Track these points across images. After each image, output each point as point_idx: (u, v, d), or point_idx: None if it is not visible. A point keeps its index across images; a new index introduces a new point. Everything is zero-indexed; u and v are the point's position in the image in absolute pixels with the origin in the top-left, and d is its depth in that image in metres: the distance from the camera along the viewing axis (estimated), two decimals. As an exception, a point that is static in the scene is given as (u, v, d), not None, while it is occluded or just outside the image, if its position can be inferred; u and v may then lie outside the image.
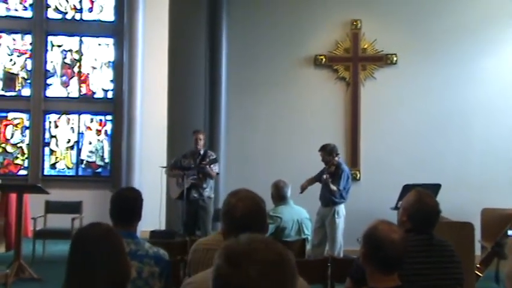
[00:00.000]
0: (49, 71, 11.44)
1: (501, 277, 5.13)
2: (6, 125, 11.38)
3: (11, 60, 11.45)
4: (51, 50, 11.47)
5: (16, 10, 11.52)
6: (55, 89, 11.44)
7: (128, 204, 3.40)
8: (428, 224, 3.27)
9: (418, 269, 3.10)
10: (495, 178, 9.08)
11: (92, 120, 11.45)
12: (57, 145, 11.37)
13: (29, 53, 11.45)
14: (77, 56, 11.50)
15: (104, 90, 11.51)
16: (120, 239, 2.49)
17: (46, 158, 11.33)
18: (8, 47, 11.46)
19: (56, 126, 11.40)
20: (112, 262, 2.39)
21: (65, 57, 11.49)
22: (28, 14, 11.49)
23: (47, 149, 11.35)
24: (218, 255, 1.49)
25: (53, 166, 11.35)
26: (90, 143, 11.42)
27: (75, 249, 2.40)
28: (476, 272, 4.98)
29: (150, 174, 9.24)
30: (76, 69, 11.50)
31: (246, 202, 2.64)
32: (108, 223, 2.68)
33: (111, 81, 11.45)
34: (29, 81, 11.40)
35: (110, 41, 11.48)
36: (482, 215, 7.90)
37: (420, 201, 3.27)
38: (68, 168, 11.37)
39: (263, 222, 2.69)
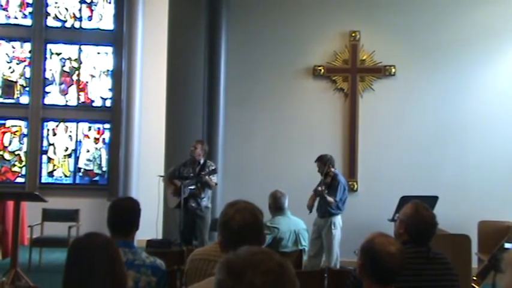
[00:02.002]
0: (48, 79, 11.45)
1: (498, 290, 5.13)
2: (4, 133, 11.37)
3: (10, 67, 11.46)
4: (50, 58, 11.48)
5: (16, 18, 11.54)
6: (53, 97, 11.44)
7: (125, 214, 3.39)
8: (425, 236, 3.27)
9: (414, 282, 3.10)
10: (492, 190, 9.07)
11: (90, 129, 11.45)
12: (54, 153, 11.36)
13: (28, 60, 11.46)
14: (75, 64, 11.51)
15: (102, 98, 11.51)
16: (117, 249, 2.49)
17: (44, 165, 11.31)
18: (7, 54, 11.46)
19: (54, 134, 11.39)
20: (109, 272, 2.39)
21: (63, 65, 11.51)
22: (28, 22, 11.51)
23: (44, 157, 11.34)
24: (218, 269, 1.49)
25: (50, 174, 11.33)
26: (88, 151, 11.41)
27: (72, 259, 2.40)
28: (473, 284, 4.96)
29: (148, 183, 9.23)
30: (75, 78, 11.50)
31: (243, 213, 2.62)
32: (105, 232, 2.68)
33: (110, 89, 11.45)
34: (27, 88, 11.41)
35: (109, 49, 11.49)
36: (479, 227, 7.90)
37: (417, 214, 3.28)
38: (66, 176, 11.35)
39: (260, 234, 2.68)
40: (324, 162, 7.53)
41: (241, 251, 1.52)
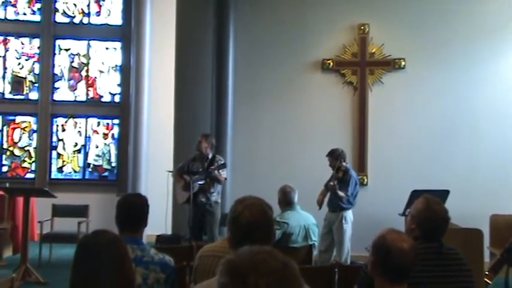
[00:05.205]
0: (57, 74, 11.47)
1: (511, 284, 5.07)
2: (14, 129, 11.41)
3: (19, 63, 11.49)
4: (59, 53, 11.50)
5: (24, 14, 11.56)
6: (62, 93, 11.47)
7: (134, 210, 3.37)
8: (437, 232, 3.21)
9: (427, 278, 3.05)
10: (504, 184, 9.00)
11: (99, 124, 11.46)
12: (64, 149, 11.39)
13: (36, 56, 11.48)
14: (84, 60, 11.52)
15: (111, 94, 11.52)
16: (125, 246, 2.47)
17: (53, 161, 11.35)
18: (16, 50, 11.49)
19: (63, 130, 11.41)
20: (117, 269, 2.37)
21: (72, 61, 11.52)
22: (36, 18, 11.52)
23: (54, 153, 11.37)
24: (220, 272, 1.45)
25: (60, 170, 11.36)
26: (97, 147, 11.42)
27: (80, 257, 2.38)
28: (485, 279, 4.91)
29: (157, 178, 9.22)
30: (83, 73, 11.52)
31: (252, 209, 2.59)
32: (113, 229, 2.66)
33: (118, 85, 11.45)
34: (36, 84, 11.43)
35: (118, 44, 11.49)
36: (491, 221, 7.82)
37: (429, 209, 3.21)
38: (75, 171, 11.38)
39: (270, 230, 2.64)
40: (335, 156, 7.48)
41: (243, 251, 1.48)
